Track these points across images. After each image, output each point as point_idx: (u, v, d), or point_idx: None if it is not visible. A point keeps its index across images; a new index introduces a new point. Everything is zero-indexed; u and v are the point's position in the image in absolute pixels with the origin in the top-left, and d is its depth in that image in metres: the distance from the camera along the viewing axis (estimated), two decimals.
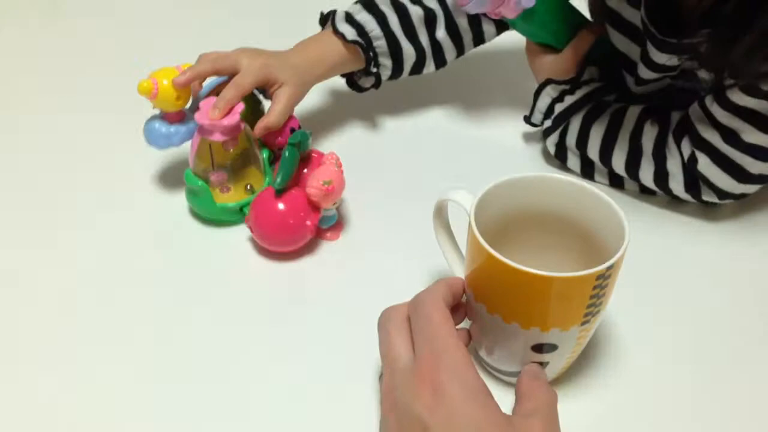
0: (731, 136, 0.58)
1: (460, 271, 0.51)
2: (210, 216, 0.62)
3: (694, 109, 0.61)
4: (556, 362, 0.47)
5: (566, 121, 0.67)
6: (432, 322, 0.41)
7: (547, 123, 0.68)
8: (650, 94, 0.68)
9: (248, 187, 0.62)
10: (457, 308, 0.48)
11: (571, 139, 0.67)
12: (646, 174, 0.63)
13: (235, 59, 0.63)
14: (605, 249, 0.45)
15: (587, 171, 0.68)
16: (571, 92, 0.67)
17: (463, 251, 0.48)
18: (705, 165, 0.60)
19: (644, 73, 0.64)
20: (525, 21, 0.64)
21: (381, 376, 0.43)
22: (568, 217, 0.48)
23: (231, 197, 0.62)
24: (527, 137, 0.74)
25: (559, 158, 0.69)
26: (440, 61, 0.73)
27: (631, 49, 0.65)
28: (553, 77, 0.68)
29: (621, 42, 0.66)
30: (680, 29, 0.57)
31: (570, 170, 0.69)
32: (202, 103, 0.59)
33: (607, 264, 0.41)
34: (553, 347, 0.45)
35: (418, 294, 0.44)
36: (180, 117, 0.61)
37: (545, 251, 0.48)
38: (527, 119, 0.70)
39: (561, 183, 0.48)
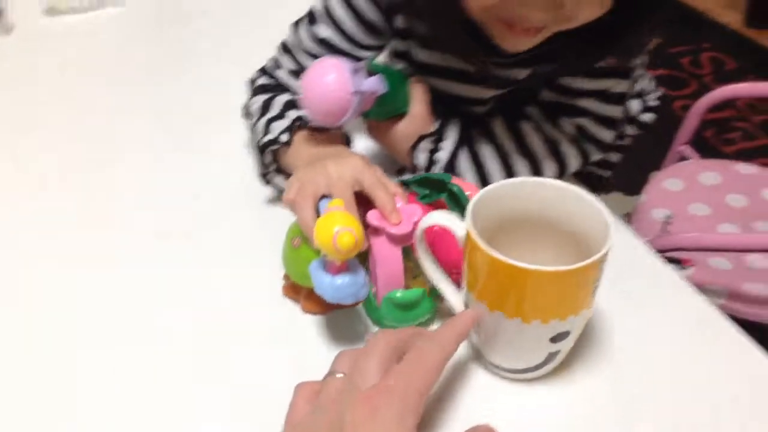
0: (603, 96, 0.68)
1: (453, 293, 0.54)
2: (425, 316, 0.57)
3: (550, 95, 0.69)
4: (565, 349, 0.51)
5: (452, 166, 0.68)
6: (423, 364, 0.43)
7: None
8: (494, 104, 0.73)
9: None
10: None
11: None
12: (549, 170, 0.69)
13: (355, 169, 0.57)
14: (579, 238, 0.50)
15: None
16: (441, 138, 0.69)
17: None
18: (590, 125, 0.69)
19: (490, 93, 0.70)
20: (378, 105, 0.66)
21: (329, 374, 0.44)
22: (537, 216, 0.52)
23: (420, 285, 0.57)
24: None
25: None
26: None
27: (460, 88, 0.71)
28: (419, 134, 0.69)
29: (447, 85, 0.71)
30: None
31: None
32: (373, 221, 0.54)
33: (608, 246, 0.46)
34: (566, 334, 0.49)
35: (438, 329, 0.47)
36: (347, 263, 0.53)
37: (527, 251, 0.51)
38: (401, 175, 0.71)
39: (534, 185, 0.51)
